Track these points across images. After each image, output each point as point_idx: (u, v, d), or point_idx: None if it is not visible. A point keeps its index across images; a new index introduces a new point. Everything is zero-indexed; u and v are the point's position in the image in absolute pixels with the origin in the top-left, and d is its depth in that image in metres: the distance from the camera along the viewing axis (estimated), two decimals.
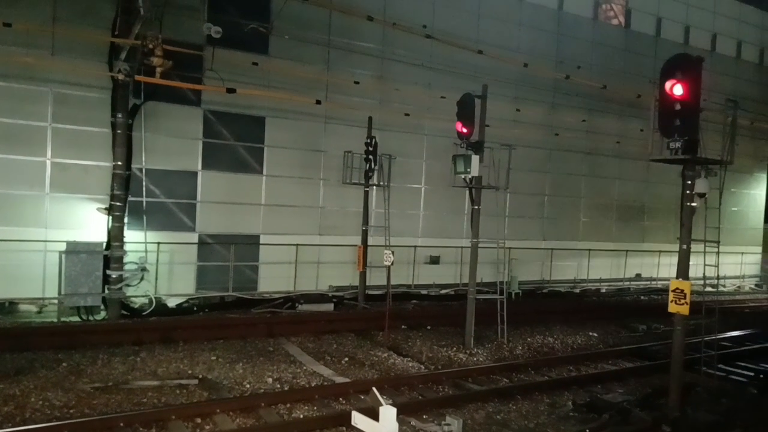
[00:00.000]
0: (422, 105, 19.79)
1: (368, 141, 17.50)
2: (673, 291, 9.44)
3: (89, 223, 15.30)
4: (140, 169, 15.93)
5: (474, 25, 21.47)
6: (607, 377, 12.12)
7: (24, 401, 8.93)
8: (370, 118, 17.81)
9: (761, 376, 12.41)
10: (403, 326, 15.30)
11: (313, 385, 10.56)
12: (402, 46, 19.63)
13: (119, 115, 14.71)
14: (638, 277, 26.01)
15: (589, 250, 24.22)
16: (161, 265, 15.93)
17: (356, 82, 18.69)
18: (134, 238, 15.46)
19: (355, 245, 18.02)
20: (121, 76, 14.32)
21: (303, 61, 18.17)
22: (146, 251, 15.42)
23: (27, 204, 15.06)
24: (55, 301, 14.43)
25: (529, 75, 21.67)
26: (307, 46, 18.20)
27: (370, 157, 17.43)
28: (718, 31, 29.06)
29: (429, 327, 15.60)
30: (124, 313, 14.81)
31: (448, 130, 15.16)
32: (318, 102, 17.12)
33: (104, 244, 14.69)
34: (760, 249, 30.97)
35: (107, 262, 14.54)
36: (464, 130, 13.73)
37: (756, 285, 29.97)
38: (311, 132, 18.81)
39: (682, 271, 9.58)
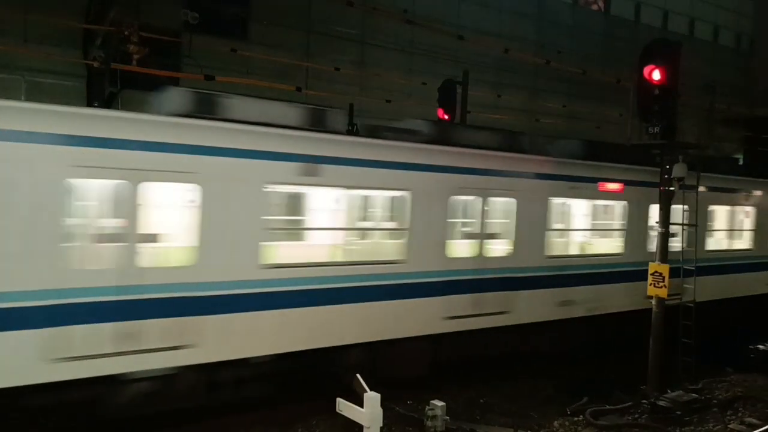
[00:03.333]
0: (403, 91, 19.69)
1: (350, 128, 17.36)
2: (652, 274, 9.57)
3: None
4: None
5: (455, 9, 21.38)
6: None
7: None
8: (351, 105, 17.69)
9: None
10: None
11: None
12: (382, 32, 19.50)
13: (95, 104, 14.40)
14: None
15: None
16: None
17: (337, 69, 18.48)
18: None
19: None
20: (96, 64, 14.02)
21: (283, 47, 17.93)
22: None
23: None
24: None
25: (510, 60, 21.66)
26: (286, 32, 18.00)
27: None
28: (696, 16, 29.31)
29: None
30: None
31: (429, 116, 15.12)
32: (298, 89, 16.91)
33: None
34: None
35: None
36: (446, 117, 13.74)
37: None
38: None
39: (661, 254, 9.72)
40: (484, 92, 20.39)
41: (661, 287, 9.49)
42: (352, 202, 9.36)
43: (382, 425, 6.21)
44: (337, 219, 9.29)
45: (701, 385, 10.47)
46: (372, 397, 6.16)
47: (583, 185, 11.31)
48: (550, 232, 11.03)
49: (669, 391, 9.78)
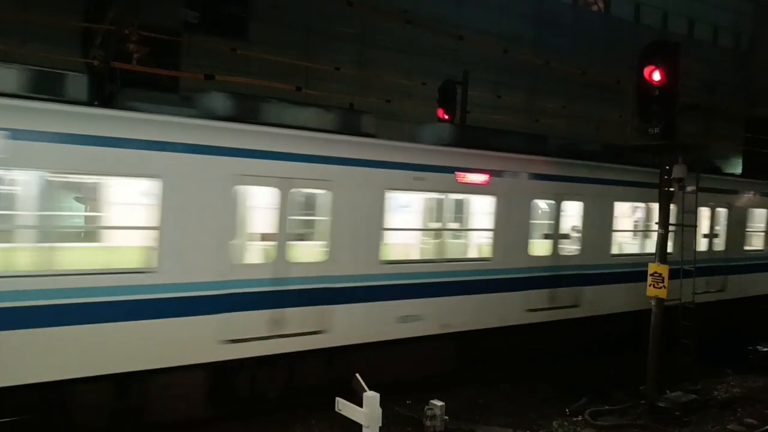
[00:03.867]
0: (403, 91, 19.68)
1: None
2: (651, 275, 9.57)
3: None
4: None
5: (455, 10, 21.38)
6: None
7: None
8: (351, 105, 17.68)
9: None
10: None
11: None
12: (382, 32, 19.49)
13: (95, 103, 14.39)
14: None
15: None
16: None
17: (337, 69, 18.49)
18: None
19: None
20: (96, 63, 13.99)
21: (283, 47, 17.92)
22: None
23: None
24: None
25: (510, 61, 21.67)
26: (286, 32, 17.98)
27: None
28: (695, 17, 29.33)
29: None
30: None
31: (429, 116, 15.13)
32: (298, 89, 16.90)
33: None
34: None
35: None
36: (446, 117, 13.75)
37: None
38: None
39: (660, 255, 9.71)
40: (484, 92, 20.40)
41: (660, 288, 9.48)
42: (74, 192, 7.30)
43: (381, 425, 6.20)
44: (53, 215, 7.03)
45: (700, 386, 10.49)
46: (371, 397, 6.14)
47: (433, 175, 9.37)
48: (387, 232, 9.05)
49: (668, 391, 9.80)
